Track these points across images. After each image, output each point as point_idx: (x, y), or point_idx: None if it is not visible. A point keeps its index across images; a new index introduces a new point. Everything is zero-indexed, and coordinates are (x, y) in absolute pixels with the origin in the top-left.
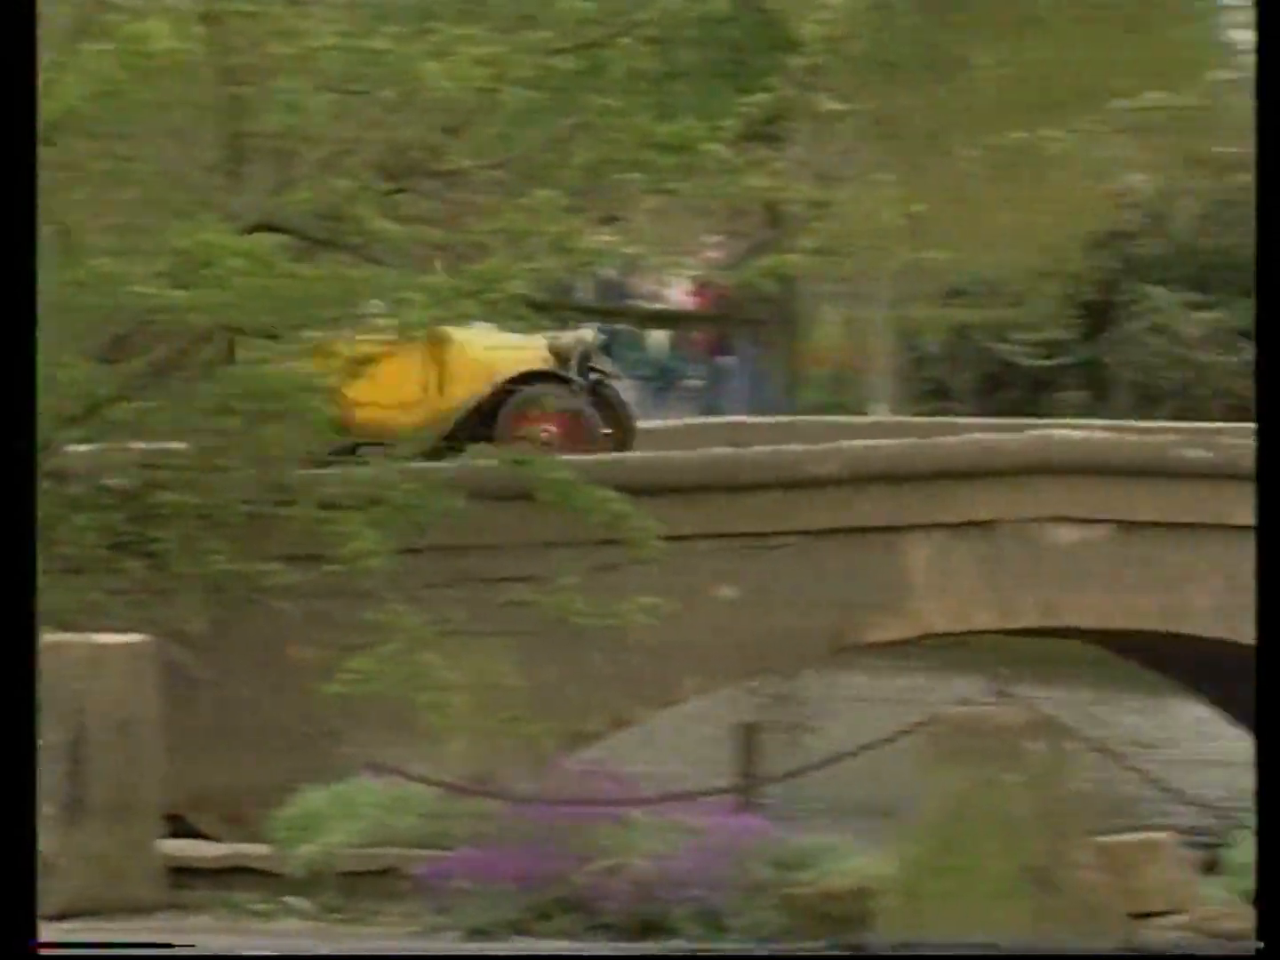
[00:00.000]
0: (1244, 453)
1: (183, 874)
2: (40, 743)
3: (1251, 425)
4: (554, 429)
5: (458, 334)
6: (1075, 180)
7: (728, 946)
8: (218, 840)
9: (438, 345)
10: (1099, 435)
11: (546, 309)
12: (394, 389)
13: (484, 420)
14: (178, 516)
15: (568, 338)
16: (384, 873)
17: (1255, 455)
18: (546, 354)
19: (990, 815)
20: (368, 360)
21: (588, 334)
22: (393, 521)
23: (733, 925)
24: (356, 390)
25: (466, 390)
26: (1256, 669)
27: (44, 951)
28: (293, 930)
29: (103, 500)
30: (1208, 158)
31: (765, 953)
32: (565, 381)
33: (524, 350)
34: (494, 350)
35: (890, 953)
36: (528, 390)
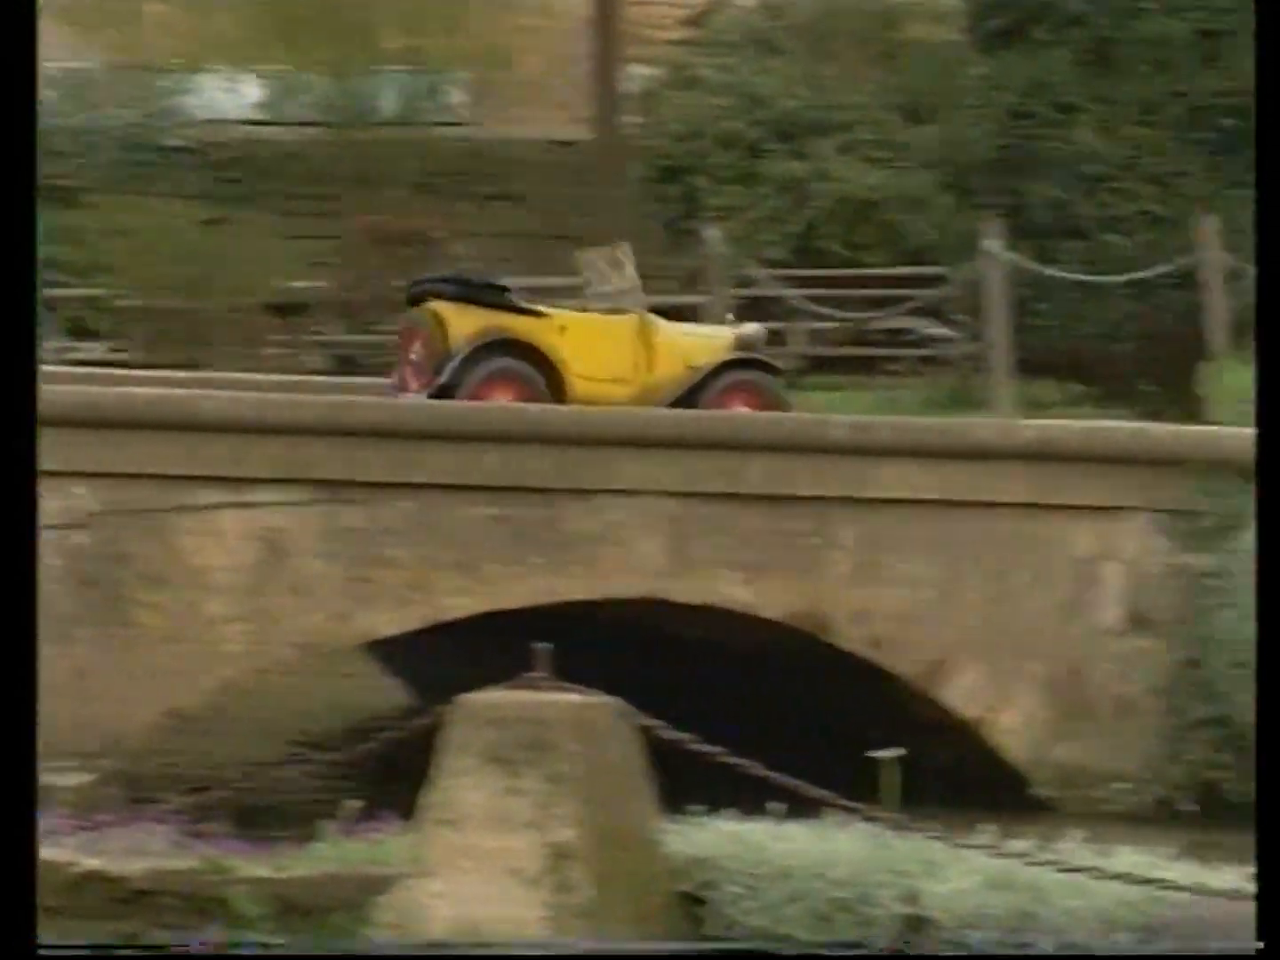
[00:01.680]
0: None
1: None
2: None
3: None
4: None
5: (659, 320)
6: None
7: (728, 947)
8: None
9: (646, 327)
10: None
11: None
12: (610, 364)
13: (686, 400)
14: None
15: (752, 328)
16: None
17: (1256, 455)
18: (733, 343)
19: None
20: (588, 332)
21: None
22: None
23: None
24: (579, 362)
25: (668, 372)
26: (1257, 669)
27: (44, 953)
28: None
29: None
30: None
31: (764, 953)
32: (770, 368)
33: (719, 339)
34: (689, 337)
35: (890, 954)
36: (740, 373)
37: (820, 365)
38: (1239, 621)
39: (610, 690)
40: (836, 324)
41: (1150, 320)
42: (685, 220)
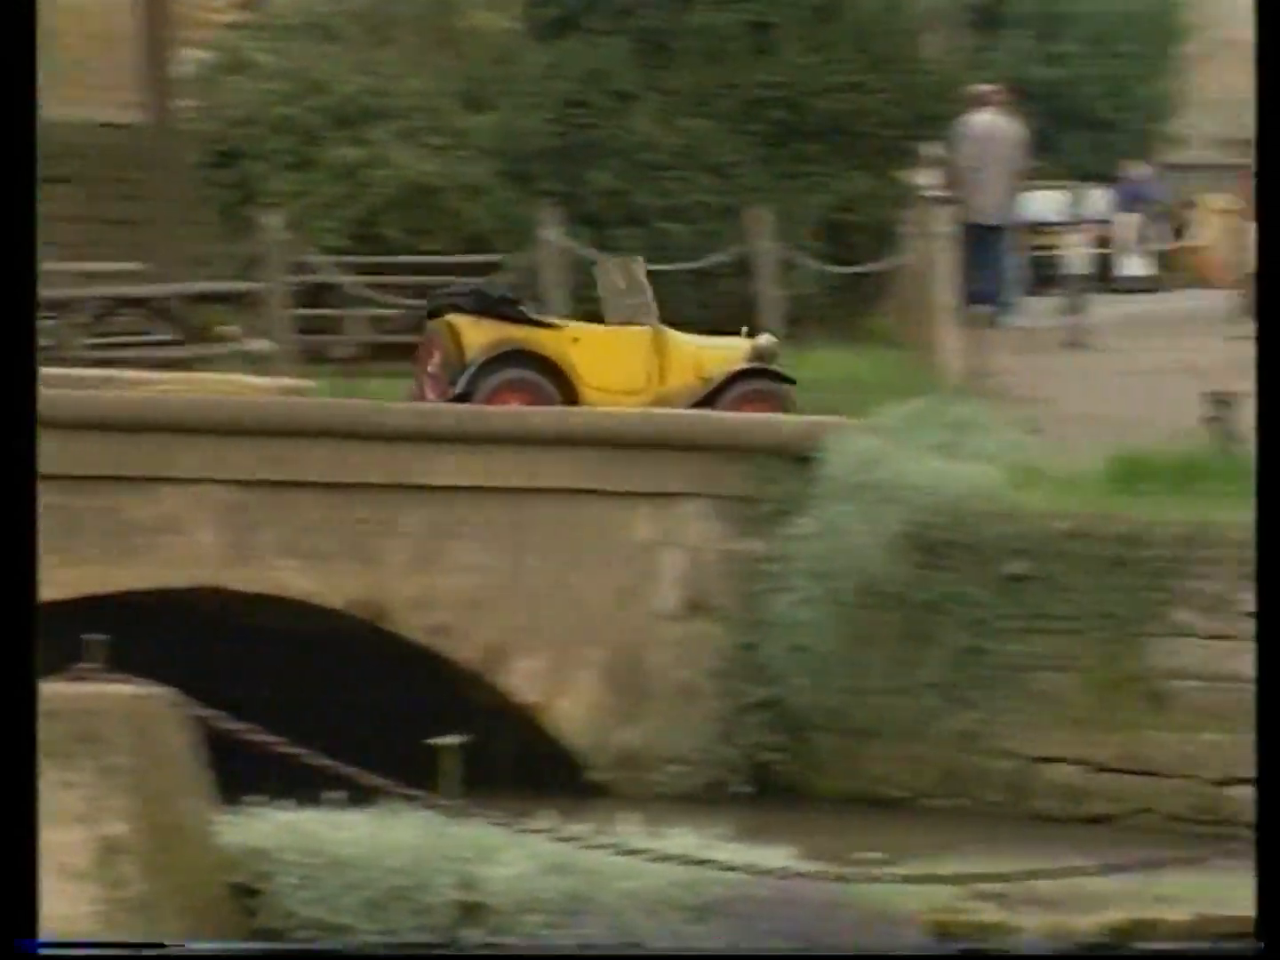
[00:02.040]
0: None
1: None
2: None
3: None
4: None
5: (672, 331)
6: None
7: (733, 947)
8: None
9: (659, 338)
10: None
11: None
12: (623, 374)
13: (700, 407)
14: None
15: (765, 340)
16: None
17: (1256, 455)
18: (748, 353)
19: None
20: (601, 344)
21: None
22: None
23: None
24: (591, 373)
25: (681, 382)
26: (1257, 669)
27: (44, 952)
28: None
29: None
30: None
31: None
32: (782, 378)
33: (733, 350)
34: (702, 347)
35: (891, 955)
36: (753, 383)
37: (381, 353)
38: (793, 606)
39: (171, 681)
40: (402, 310)
41: (708, 308)
42: (242, 206)
